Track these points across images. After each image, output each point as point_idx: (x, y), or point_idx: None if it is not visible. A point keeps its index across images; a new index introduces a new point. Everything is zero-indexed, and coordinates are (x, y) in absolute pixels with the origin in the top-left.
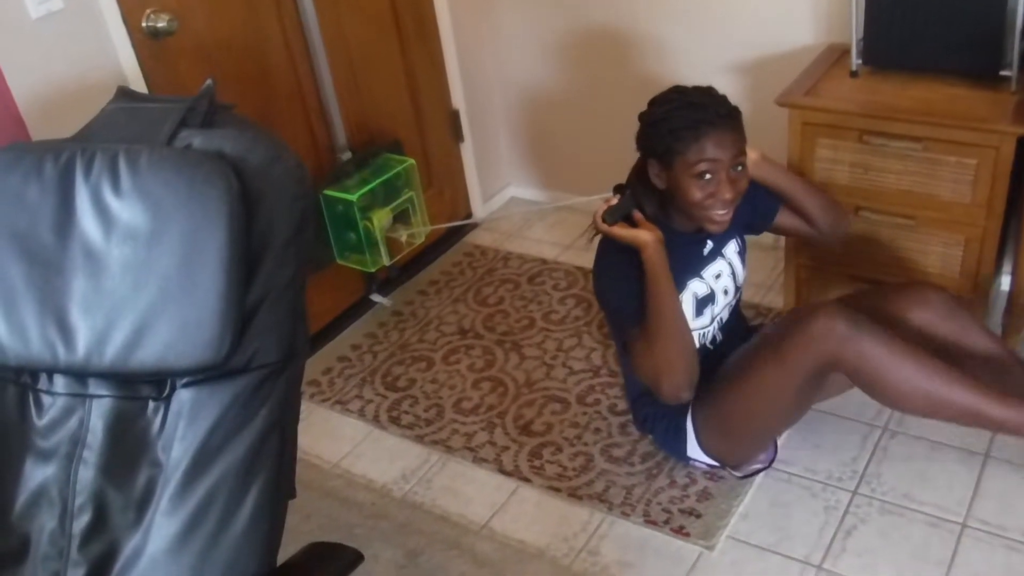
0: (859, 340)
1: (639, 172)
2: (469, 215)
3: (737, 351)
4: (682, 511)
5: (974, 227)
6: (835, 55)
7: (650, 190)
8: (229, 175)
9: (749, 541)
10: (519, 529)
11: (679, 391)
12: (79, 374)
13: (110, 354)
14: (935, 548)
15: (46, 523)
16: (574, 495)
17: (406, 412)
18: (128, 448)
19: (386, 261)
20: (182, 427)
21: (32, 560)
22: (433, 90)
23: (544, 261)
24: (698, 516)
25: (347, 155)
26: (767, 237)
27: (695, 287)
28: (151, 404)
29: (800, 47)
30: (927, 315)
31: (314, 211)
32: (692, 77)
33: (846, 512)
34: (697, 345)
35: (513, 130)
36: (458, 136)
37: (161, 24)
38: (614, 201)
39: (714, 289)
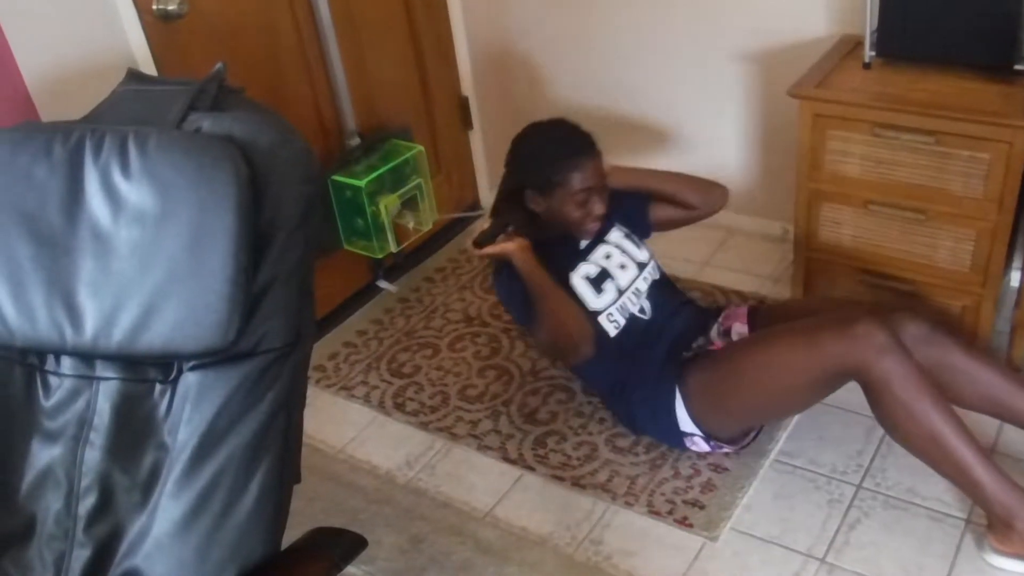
0: (893, 358)
1: (507, 195)
2: (476, 202)
3: (761, 331)
4: (685, 502)
5: (985, 222)
6: (848, 46)
7: (519, 210)
8: (238, 158)
9: (752, 533)
10: (522, 517)
11: (577, 346)
12: (86, 356)
13: (117, 336)
14: (938, 543)
15: (52, 504)
16: (578, 484)
17: (411, 399)
18: (134, 430)
19: (393, 248)
20: (188, 410)
21: (38, 540)
22: (443, 77)
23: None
24: (701, 507)
25: (355, 141)
26: (775, 228)
27: (584, 269)
28: (158, 387)
29: (813, 38)
30: (911, 343)
31: (322, 196)
32: (706, 67)
33: (850, 505)
34: (622, 319)
35: (522, 118)
36: (467, 123)
37: (171, 7)
38: (485, 226)
39: (606, 267)
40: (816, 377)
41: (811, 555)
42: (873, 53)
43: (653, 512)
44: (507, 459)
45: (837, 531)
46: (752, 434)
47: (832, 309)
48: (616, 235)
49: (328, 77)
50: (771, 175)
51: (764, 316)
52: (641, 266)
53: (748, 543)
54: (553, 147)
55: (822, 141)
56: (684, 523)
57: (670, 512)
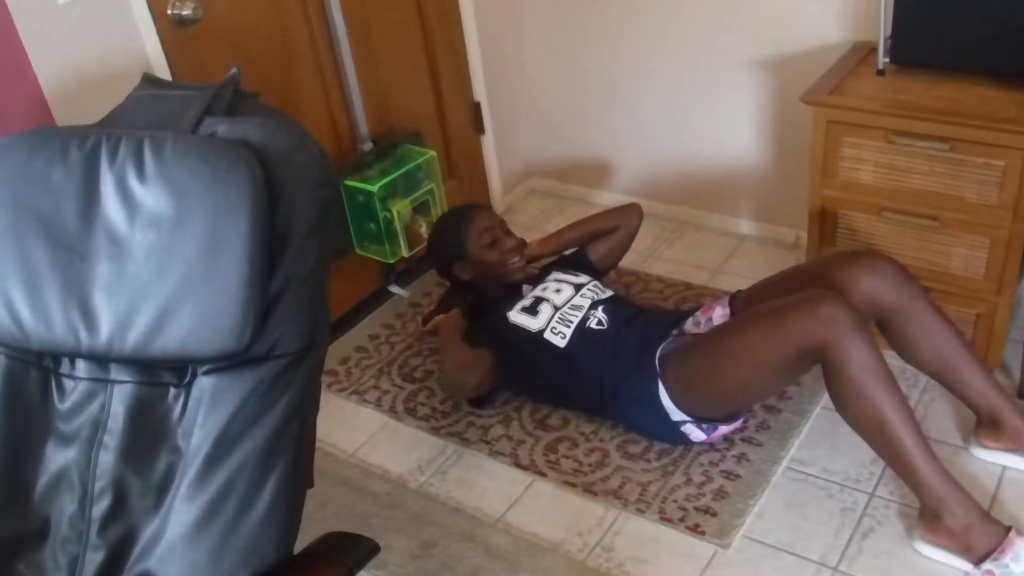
0: (854, 340)
1: (450, 290)
2: (489, 207)
3: (735, 316)
4: (697, 509)
5: (1000, 229)
6: (862, 53)
7: (462, 293)
8: (253, 163)
9: (764, 540)
10: (533, 523)
11: (460, 376)
12: (101, 359)
13: (132, 340)
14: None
15: (66, 506)
16: (589, 490)
17: (422, 404)
18: (148, 434)
19: (405, 252)
20: (202, 414)
21: (52, 542)
22: (455, 82)
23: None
24: (713, 514)
25: (368, 145)
26: (789, 235)
27: (520, 304)
28: (172, 390)
29: (826, 44)
30: (875, 282)
31: (336, 200)
32: (717, 73)
33: (863, 514)
34: (567, 329)
35: (534, 122)
36: (479, 128)
37: (186, 12)
38: (428, 310)
39: (539, 295)
40: (785, 357)
41: (824, 563)
42: (887, 59)
43: (665, 519)
44: (518, 465)
45: (850, 539)
46: (744, 414)
47: (805, 280)
48: (554, 274)
49: (341, 82)
50: (784, 182)
51: (744, 299)
52: (578, 286)
53: (760, 551)
54: (448, 220)
55: (836, 148)
56: (696, 530)
57: (682, 519)
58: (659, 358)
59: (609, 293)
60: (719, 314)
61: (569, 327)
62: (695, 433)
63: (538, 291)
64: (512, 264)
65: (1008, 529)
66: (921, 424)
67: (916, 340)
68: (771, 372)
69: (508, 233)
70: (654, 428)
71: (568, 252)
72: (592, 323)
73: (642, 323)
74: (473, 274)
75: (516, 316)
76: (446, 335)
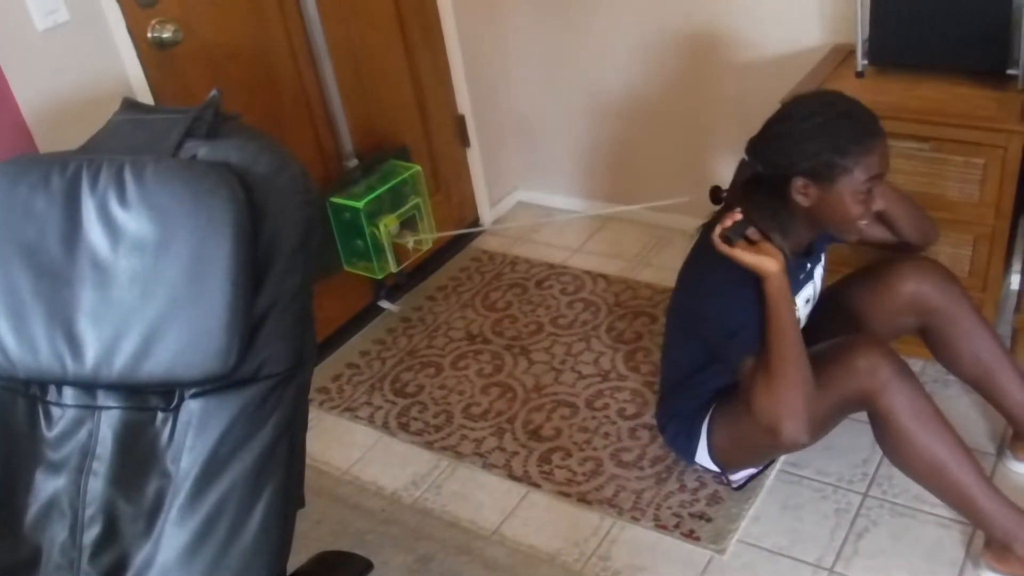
0: (898, 390)
1: (751, 187)
2: (476, 220)
3: None
4: (692, 515)
5: (983, 227)
6: (841, 55)
7: (764, 206)
8: (234, 185)
9: (760, 544)
10: (529, 534)
11: (800, 435)
12: (88, 385)
13: (118, 365)
14: (947, 550)
15: (57, 534)
16: (584, 500)
17: (415, 418)
18: (137, 459)
19: (393, 268)
20: (191, 437)
21: (44, 571)
22: (439, 96)
23: (551, 265)
24: (708, 520)
25: (353, 162)
26: None
27: (805, 294)
28: (160, 415)
29: (805, 48)
30: (921, 285)
31: (320, 219)
32: (697, 78)
33: (857, 515)
34: None
35: (519, 134)
36: (464, 141)
37: (167, 34)
38: (737, 217)
39: (800, 316)
40: (829, 412)
41: (820, 565)
42: (866, 62)
43: (660, 526)
44: (513, 476)
45: (845, 540)
46: (757, 471)
47: (855, 290)
48: (819, 270)
49: (324, 100)
50: None
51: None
52: (808, 301)
53: (756, 555)
54: (844, 124)
55: None
56: (691, 536)
57: (677, 526)
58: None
59: None
60: None
61: None
62: (711, 467)
63: (801, 302)
64: (860, 227)
65: None
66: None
67: (958, 345)
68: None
69: (882, 188)
70: (677, 447)
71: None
72: None
73: None
74: (810, 205)
75: (799, 304)
76: (785, 310)
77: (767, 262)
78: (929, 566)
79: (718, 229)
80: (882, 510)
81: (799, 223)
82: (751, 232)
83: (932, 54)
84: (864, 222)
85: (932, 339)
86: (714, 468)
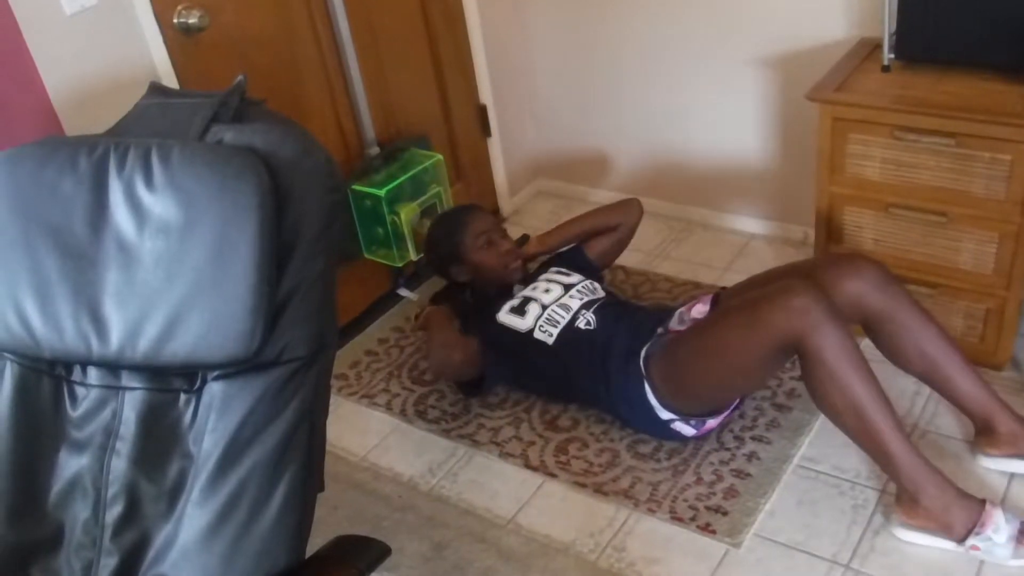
0: (828, 330)
1: (442, 290)
2: (496, 209)
3: (712, 312)
4: (708, 508)
5: (1008, 224)
6: (867, 49)
7: (452, 289)
8: (260, 170)
9: (776, 539)
10: (545, 524)
11: (447, 358)
12: (112, 366)
13: (142, 346)
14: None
15: (80, 512)
16: (600, 491)
17: (432, 406)
18: (160, 439)
19: (414, 256)
20: (213, 419)
21: (66, 549)
22: (461, 85)
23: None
24: (724, 513)
25: (375, 150)
26: (796, 232)
27: (508, 305)
28: (182, 396)
29: (831, 41)
30: (860, 285)
31: (344, 205)
32: (722, 71)
33: (874, 511)
34: (554, 328)
35: (540, 124)
36: (485, 131)
37: (192, 20)
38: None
39: (527, 295)
40: (762, 350)
41: (836, 561)
42: (892, 56)
43: (676, 519)
44: (529, 466)
45: (862, 537)
46: (731, 406)
47: (781, 278)
48: (547, 273)
49: (347, 87)
50: (791, 179)
51: (727, 295)
52: (568, 286)
53: (772, 549)
54: (444, 223)
55: (842, 145)
56: (707, 529)
57: (693, 519)
58: (644, 358)
59: (601, 294)
60: (699, 310)
61: (556, 327)
62: (685, 429)
63: (527, 291)
64: (510, 269)
65: (983, 502)
66: (931, 422)
67: (900, 342)
68: (750, 366)
69: (504, 235)
70: (646, 425)
71: (564, 249)
72: (581, 323)
73: (629, 323)
74: (470, 276)
75: (504, 316)
76: (434, 321)
77: (426, 313)
78: (946, 563)
79: (419, 322)
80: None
81: (482, 284)
82: (440, 307)
83: (960, 49)
84: (515, 263)
85: (875, 337)
86: (676, 416)
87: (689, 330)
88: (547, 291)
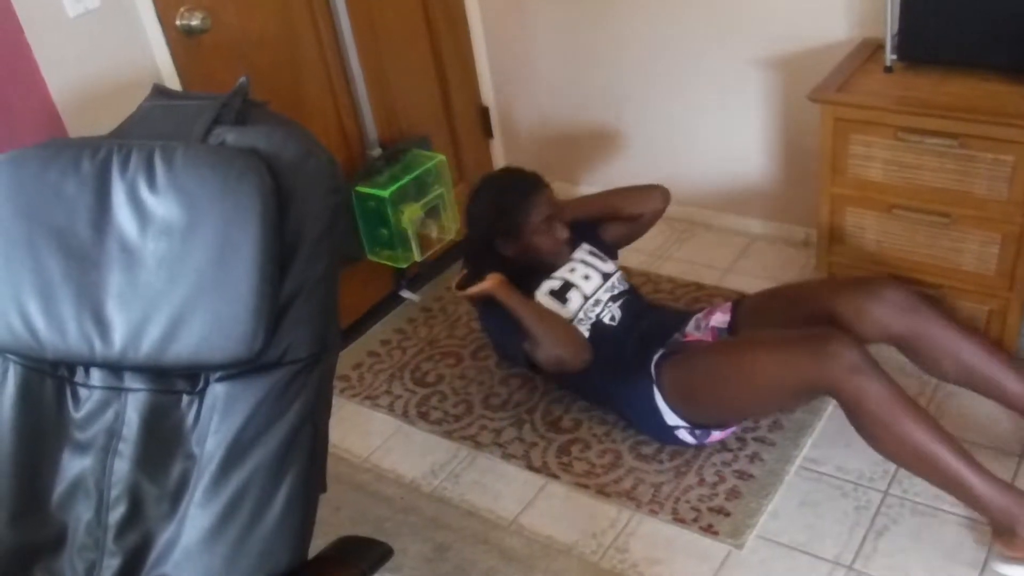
0: (866, 378)
1: (477, 252)
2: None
3: (737, 334)
4: (711, 509)
5: (1011, 225)
6: (869, 50)
7: (490, 258)
8: (262, 171)
9: (778, 540)
10: (547, 525)
11: (578, 353)
12: (115, 367)
13: (145, 348)
14: (968, 550)
15: (83, 514)
16: (602, 492)
17: (435, 408)
18: (163, 441)
19: (417, 257)
20: (216, 420)
21: (69, 550)
22: (463, 86)
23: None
24: (727, 515)
25: (377, 151)
26: (799, 233)
27: (547, 285)
28: (185, 398)
29: (833, 42)
30: (882, 311)
31: (346, 206)
32: (725, 74)
33: (877, 512)
34: (588, 324)
35: (542, 126)
36: (488, 132)
37: (195, 22)
38: (463, 274)
39: (568, 279)
40: (788, 392)
41: (838, 563)
42: (894, 56)
43: (678, 520)
44: (531, 467)
45: (864, 538)
46: (738, 425)
47: (813, 303)
48: (581, 252)
49: (349, 88)
50: (793, 180)
51: (747, 307)
52: (606, 276)
53: (774, 551)
54: (508, 193)
55: (844, 146)
56: (710, 531)
57: (695, 520)
58: (657, 360)
59: (626, 286)
60: (719, 319)
61: (590, 321)
62: (687, 438)
63: (566, 273)
64: (559, 254)
65: None
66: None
67: (934, 354)
68: (772, 399)
69: (561, 220)
70: (650, 428)
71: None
72: (606, 318)
73: (648, 322)
74: (516, 253)
75: (544, 298)
76: (517, 303)
77: (485, 285)
78: (949, 565)
79: (452, 285)
80: (903, 508)
81: (524, 260)
82: (495, 275)
83: (962, 50)
84: (564, 247)
85: (909, 355)
86: (683, 424)
87: (712, 346)
88: (586, 277)
